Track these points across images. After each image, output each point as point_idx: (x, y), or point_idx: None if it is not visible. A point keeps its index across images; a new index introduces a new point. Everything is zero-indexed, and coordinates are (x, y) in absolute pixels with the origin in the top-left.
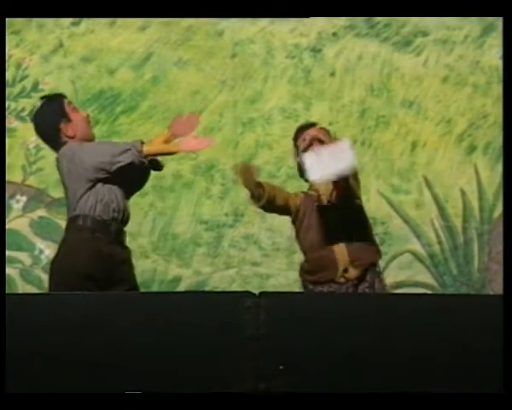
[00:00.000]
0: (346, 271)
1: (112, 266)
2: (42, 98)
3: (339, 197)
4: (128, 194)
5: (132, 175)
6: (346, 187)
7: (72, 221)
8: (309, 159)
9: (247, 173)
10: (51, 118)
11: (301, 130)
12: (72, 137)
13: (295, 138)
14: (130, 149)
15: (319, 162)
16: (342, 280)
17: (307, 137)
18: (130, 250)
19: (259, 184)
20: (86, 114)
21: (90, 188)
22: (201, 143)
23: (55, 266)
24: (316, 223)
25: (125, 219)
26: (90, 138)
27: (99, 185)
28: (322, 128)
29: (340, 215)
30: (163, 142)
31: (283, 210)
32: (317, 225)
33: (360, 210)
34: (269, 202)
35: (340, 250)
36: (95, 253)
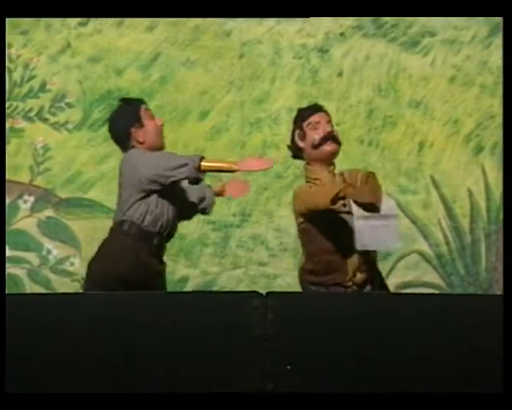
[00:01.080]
0: (354, 275)
1: (146, 276)
2: (120, 100)
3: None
4: (181, 215)
5: (189, 199)
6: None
7: (118, 225)
8: (359, 227)
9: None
10: (124, 120)
11: (307, 112)
12: (142, 143)
13: (299, 119)
14: (186, 165)
15: (368, 233)
16: (349, 284)
17: (321, 130)
18: (166, 266)
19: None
20: (161, 122)
21: (143, 197)
22: (262, 163)
23: (93, 266)
24: (327, 227)
25: (169, 237)
26: (160, 147)
27: (153, 197)
28: (326, 114)
29: (346, 220)
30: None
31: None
32: (329, 230)
33: None
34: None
35: (350, 255)
36: (133, 259)
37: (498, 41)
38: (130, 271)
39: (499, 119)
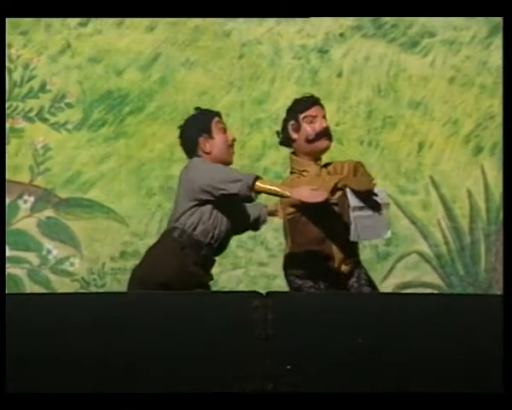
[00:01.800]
0: (339, 267)
1: (189, 285)
2: (195, 109)
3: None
4: (236, 230)
5: (245, 214)
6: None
7: (168, 232)
8: (355, 218)
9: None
10: (194, 129)
11: (304, 105)
12: (208, 153)
13: (295, 110)
14: (240, 181)
15: (362, 223)
16: (335, 275)
17: (317, 125)
18: (212, 279)
19: None
20: (233, 138)
21: (196, 206)
22: (316, 196)
23: (138, 270)
24: (317, 217)
25: (218, 250)
26: (227, 162)
27: (207, 207)
28: (322, 108)
29: (337, 212)
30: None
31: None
32: (319, 220)
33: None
34: None
35: (337, 247)
36: (178, 266)
37: (498, 41)
38: (174, 277)
39: (499, 119)
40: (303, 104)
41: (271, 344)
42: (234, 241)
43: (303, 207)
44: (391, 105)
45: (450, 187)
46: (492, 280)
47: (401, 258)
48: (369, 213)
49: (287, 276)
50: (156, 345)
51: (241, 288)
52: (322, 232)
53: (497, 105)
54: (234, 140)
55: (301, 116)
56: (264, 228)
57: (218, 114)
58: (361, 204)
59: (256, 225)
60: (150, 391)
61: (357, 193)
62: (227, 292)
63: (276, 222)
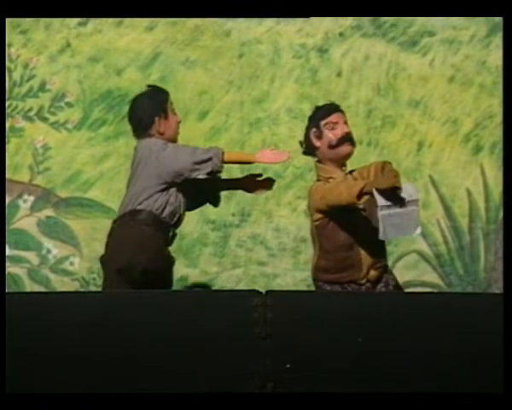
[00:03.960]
0: (368, 272)
1: (165, 268)
2: (149, 86)
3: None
4: (194, 207)
5: (199, 191)
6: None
7: (132, 214)
8: (383, 217)
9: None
10: (151, 107)
11: (325, 111)
12: (162, 134)
13: (317, 117)
14: (210, 159)
15: (390, 222)
16: (363, 281)
17: (339, 131)
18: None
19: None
20: (179, 119)
21: (164, 190)
22: (278, 156)
23: (111, 257)
24: (345, 223)
25: (177, 228)
26: (175, 142)
27: (172, 190)
28: (343, 114)
29: (365, 217)
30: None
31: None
32: (347, 226)
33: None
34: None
35: (365, 252)
36: (155, 250)
37: (497, 41)
38: (152, 260)
39: (498, 118)
40: (324, 111)
41: (271, 343)
42: (233, 240)
43: (330, 212)
44: (390, 104)
45: (449, 186)
46: (491, 279)
47: (400, 257)
48: (396, 210)
49: (315, 281)
50: (156, 344)
51: (241, 287)
52: (351, 238)
53: (496, 104)
54: (180, 121)
55: (323, 123)
56: (263, 227)
57: (168, 94)
58: (388, 202)
59: (215, 200)
60: (150, 391)
61: (383, 192)
62: (227, 291)
63: (276, 222)
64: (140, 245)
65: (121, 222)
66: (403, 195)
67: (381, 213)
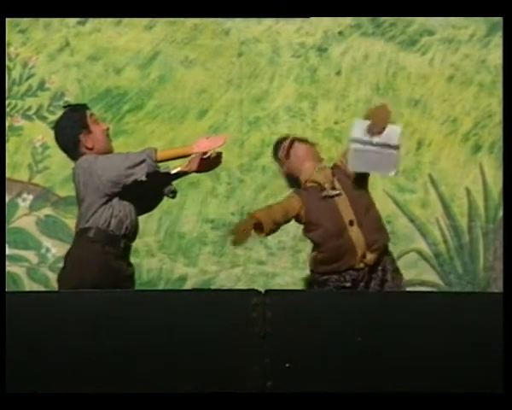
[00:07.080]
0: (364, 256)
1: (117, 282)
2: (64, 107)
3: (342, 183)
4: (139, 211)
5: (146, 193)
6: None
7: (82, 232)
8: (355, 149)
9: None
10: (72, 128)
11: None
12: (91, 149)
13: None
14: (144, 161)
15: (364, 155)
16: (361, 266)
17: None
18: (135, 268)
19: (259, 224)
20: (106, 127)
21: (106, 202)
22: (214, 142)
23: (64, 277)
24: (327, 212)
25: (133, 237)
26: (109, 151)
27: (115, 200)
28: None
29: (348, 201)
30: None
31: (288, 221)
32: (330, 214)
33: (365, 192)
34: (272, 230)
35: (356, 236)
36: (104, 266)
37: (497, 40)
38: (101, 277)
39: (497, 117)
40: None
41: (270, 342)
42: None
43: (308, 209)
44: (389, 103)
45: (448, 185)
46: (491, 278)
47: (400, 256)
48: (371, 148)
49: (312, 274)
50: (155, 344)
51: (240, 286)
52: (336, 225)
53: (495, 103)
54: (108, 129)
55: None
56: None
57: (87, 107)
58: (363, 138)
59: (170, 193)
60: (150, 391)
61: (365, 126)
62: (226, 290)
63: None
64: (86, 263)
65: (73, 242)
66: (382, 138)
67: (353, 146)
